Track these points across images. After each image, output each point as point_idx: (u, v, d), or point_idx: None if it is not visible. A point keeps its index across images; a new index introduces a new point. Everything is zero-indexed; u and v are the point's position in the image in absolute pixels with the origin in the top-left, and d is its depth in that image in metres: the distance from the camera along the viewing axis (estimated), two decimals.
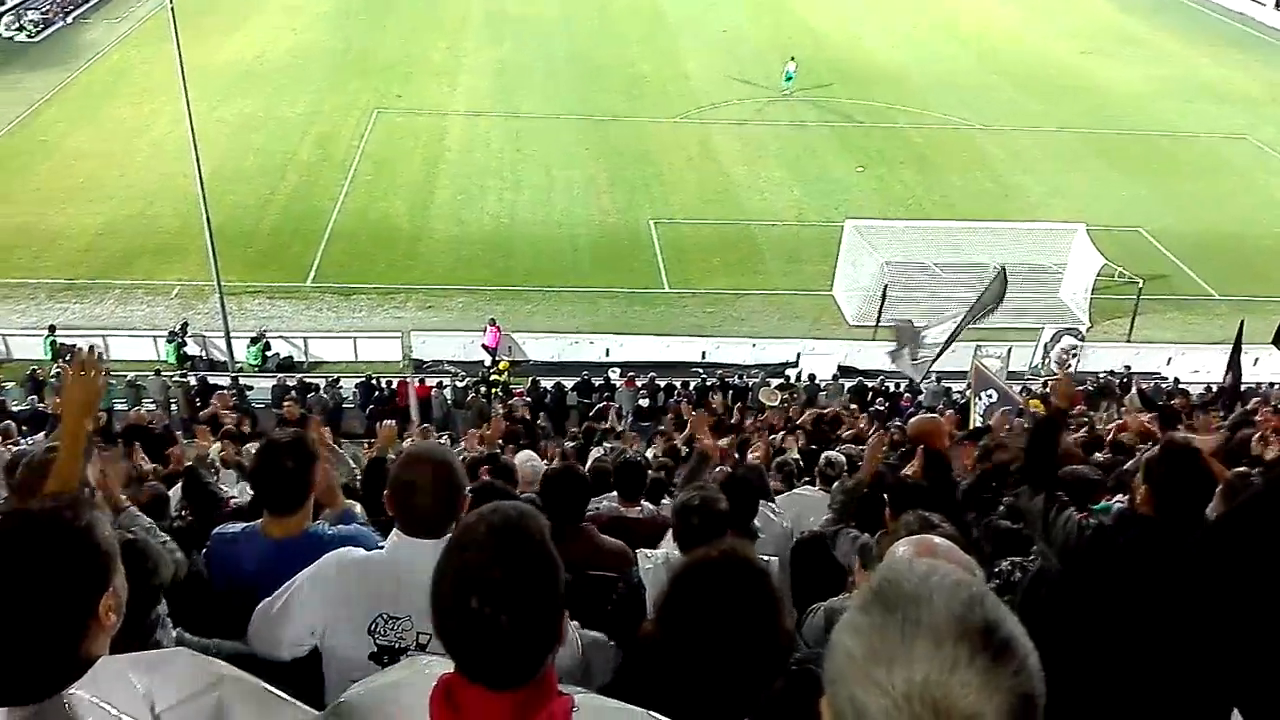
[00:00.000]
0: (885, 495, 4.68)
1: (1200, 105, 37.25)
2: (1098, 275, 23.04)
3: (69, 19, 40.25)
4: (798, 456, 9.55)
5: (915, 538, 2.36)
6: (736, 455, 8.22)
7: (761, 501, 5.71)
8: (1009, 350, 21.36)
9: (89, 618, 1.84)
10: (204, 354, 21.21)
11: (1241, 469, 4.77)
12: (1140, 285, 23.16)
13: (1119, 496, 6.30)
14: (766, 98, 35.11)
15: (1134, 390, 17.71)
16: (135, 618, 2.06)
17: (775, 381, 19.93)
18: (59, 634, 1.80)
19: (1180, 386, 18.81)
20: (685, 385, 19.80)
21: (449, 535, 1.91)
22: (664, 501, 7.05)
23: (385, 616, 2.72)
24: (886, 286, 22.10)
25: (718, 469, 6.24)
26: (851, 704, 1.21)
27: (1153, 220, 27.79)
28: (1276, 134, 34.39)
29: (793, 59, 34.90)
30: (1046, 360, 21.49)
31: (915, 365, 17.46)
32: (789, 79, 34.42)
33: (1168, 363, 21.50)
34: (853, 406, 16.84)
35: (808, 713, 1.43)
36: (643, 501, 6.22)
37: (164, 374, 19.21)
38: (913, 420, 6.65)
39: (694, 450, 6.53)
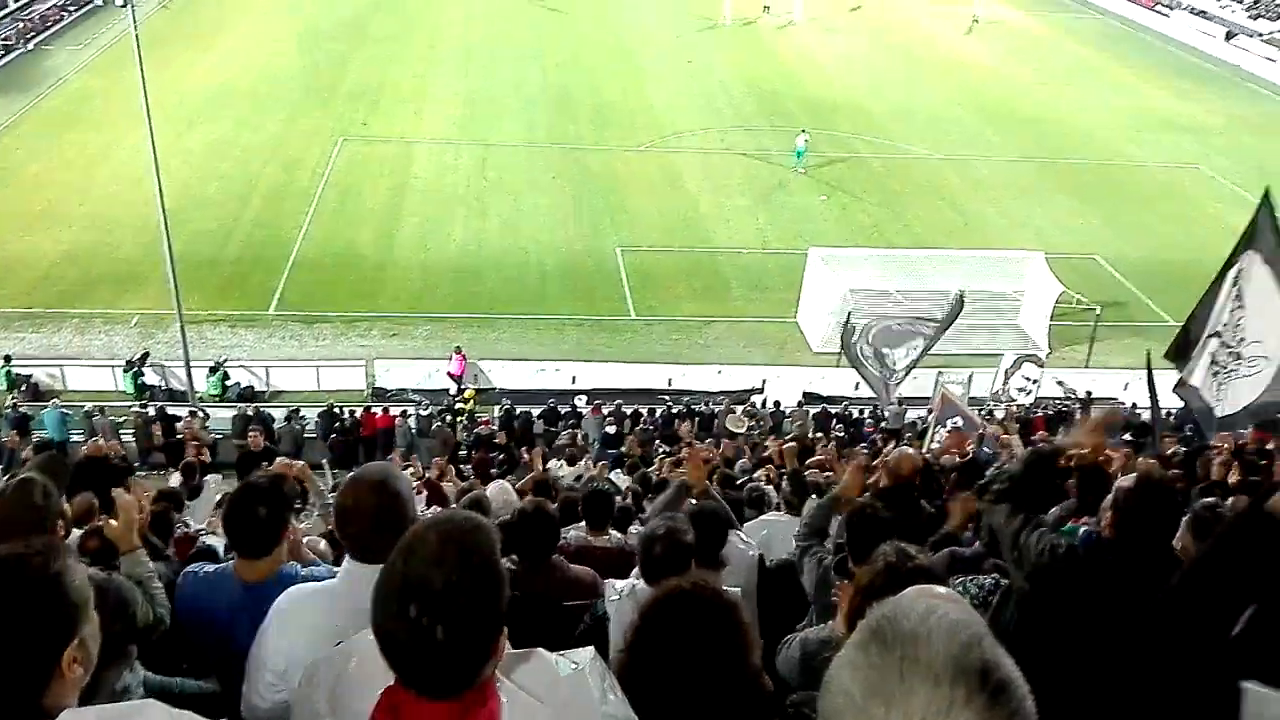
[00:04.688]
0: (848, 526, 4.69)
1: (1154, 135, 38.18)
2: (1056, 302, 23.43)
3: (30, 45, 39.85)
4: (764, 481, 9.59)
5: (921, 588, 2.36)
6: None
7: (730, 530, 5.73)
8: (970, 376, 21.63)
9: (51, 670, 1.80)
10: (163, 384, 20.91)
11: (1211, 500, 4.86)
12: (1098, 312, 23.56)
13: (1085, 519, 6.39)
14: (730, 124, 35.53)
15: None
16: (104, 660, 2.03)
17: (740, 408, 19.99)
18: (17, 686, 1.76)
19: (1136, 411, 19.11)
20: (651, 413, 19.82)
21: None
22: (632, 530, 7.05)
23: None
24: (850, 314, 22.29)
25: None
26: None
27: (1109, 248, 28.35)
28: (1228, 163, 35.26)
29: (803, 131, 32.31)
30: (1006, 387, 21.76)
31: (881, 381, 17.54)
32: (799, 155, 31.75)
33: (1125, 388, 21.82)
34: (818, 435, 16.92)
35: None
36: (610, 530, 6.23)
37: (108, 413, 18.55)
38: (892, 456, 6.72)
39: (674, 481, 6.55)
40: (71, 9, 45.05)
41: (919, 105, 39.32)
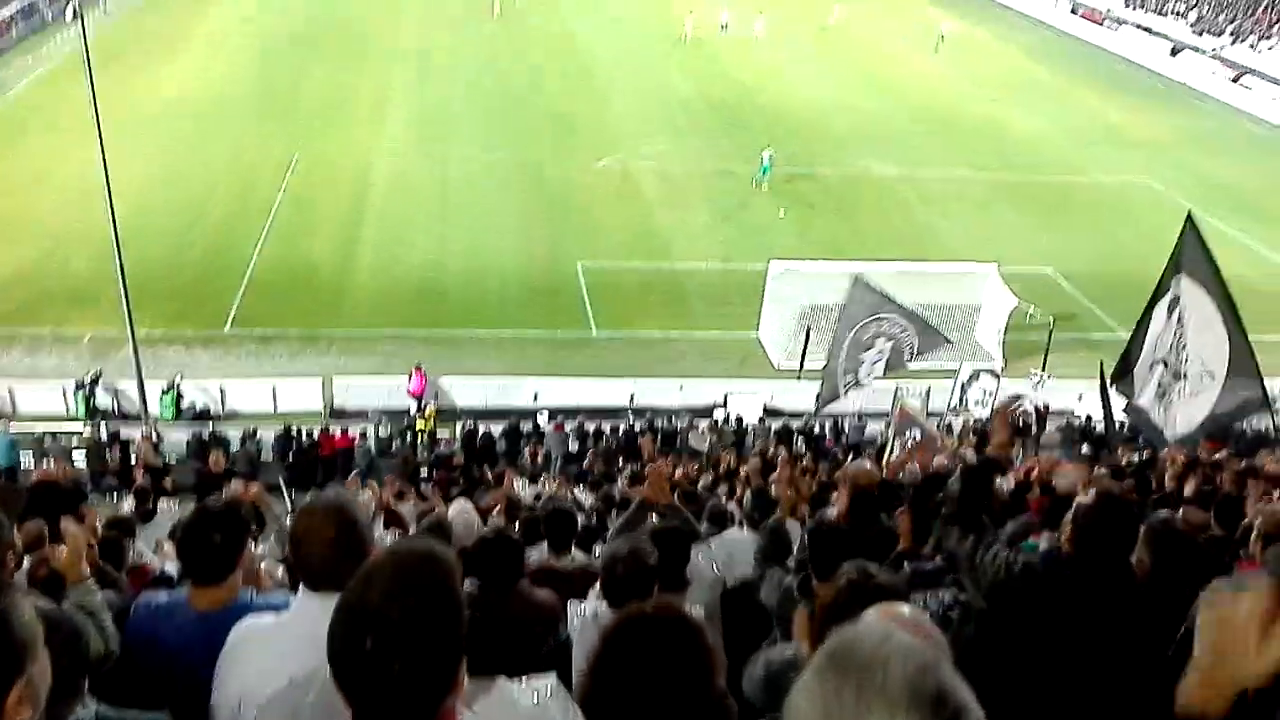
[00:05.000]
0: (807, 541, 4.71)
1: (1104, 150, 39.00)
2: (1010, 315, 23.76)
3: None
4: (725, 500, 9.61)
5: (884, 606, 2.35)
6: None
7: (693, 548, 5.73)
8: (928, 390, 21.85)
9: None
10: (115, 405, 20.49)
11: (1165, 514, 4.95)
12: (1051, 325, 23.93)
13: (1045, 534, 6.47)
14: (690, 142, 35.78)
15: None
16: (55, 697, 1.97)
17: (703, 424, 20.04)
18: None
19: (1093, 423, 19.45)
20: (614, 429, 19.79)
21: None
22: (597, 549, 7.03)
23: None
24: (809, 329, 22.46)
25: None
26: None
27: (1060, 261, 28.85)
28: (1176, 177, 36.10)
29: (769, 147, 32.59)
30: (964, 399, 22.02)
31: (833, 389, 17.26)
32: (765, 170, 31.94)
33: (1079, 399, 22.19)
34: (780, 449, 16.98)
35: None
36: (574, 550, 6.20)
37: (60, 436, 18.29)
38: (850, 470, 6.77)
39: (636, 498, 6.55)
40: (20, 22, 44.29)
41: (874, 122, 39.84)
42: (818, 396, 16.67)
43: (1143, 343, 9.27)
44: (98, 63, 18.39)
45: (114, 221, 18.73)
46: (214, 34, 44.17)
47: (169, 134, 32.47)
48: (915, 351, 15.77)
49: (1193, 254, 8.82)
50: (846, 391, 16.74)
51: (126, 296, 19.12)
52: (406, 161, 32.44)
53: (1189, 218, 9.03)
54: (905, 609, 2.38)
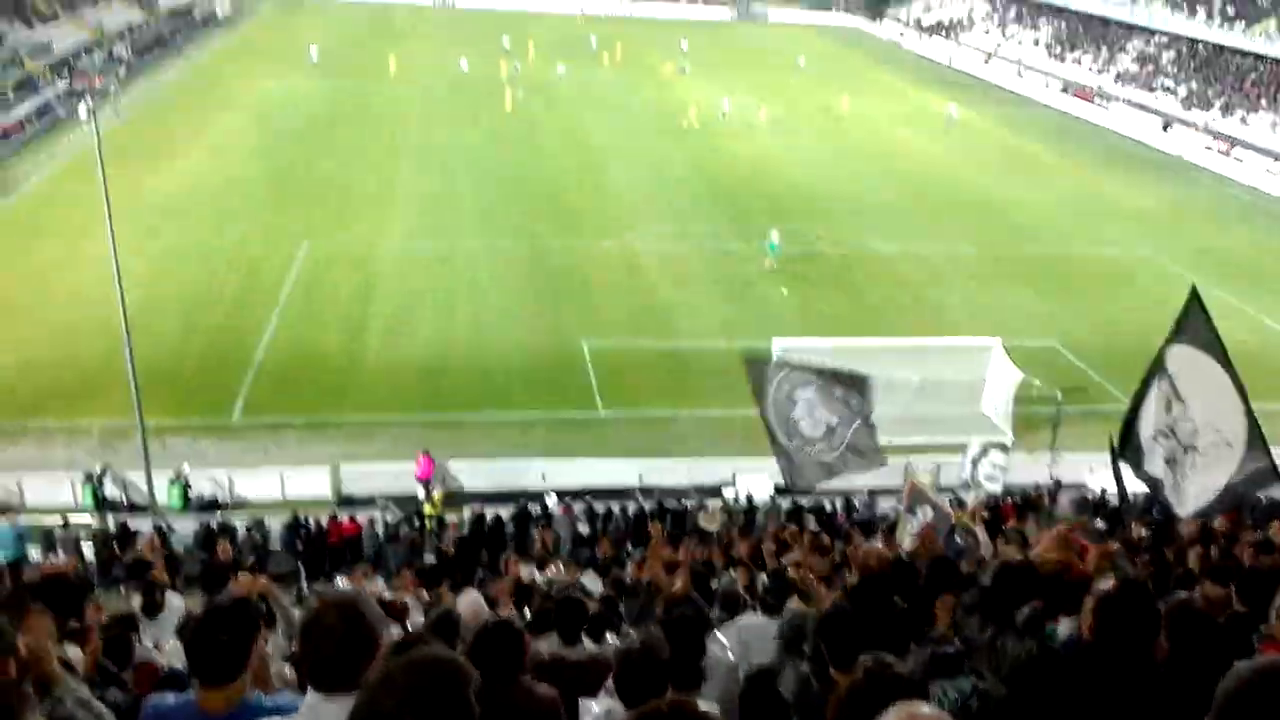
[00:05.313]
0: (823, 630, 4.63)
1: (1102, 223, 39.50)
2: (1017, 389, 23.72)
3: None
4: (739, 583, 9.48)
5: (904, 706, 2.31)
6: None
7: (707, 637, 5.64)
8: (938, 466, 21.72)
9: None
10: (124, 496, 20.45)
11: (1182, 596, 4.89)
12: (1059, 398, 23.88)
13: (1064, 620, 6.37)
14: (694, 224, 36.29)
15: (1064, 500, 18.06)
16: None
17: (713, 503, 19.88)
18: None
19: (1106, 497, 19.26)
20: (623, 511, 19.64)
21: None
22: (609, 638, 6.93)
23: None
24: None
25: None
26: None
27: (1065, 334, 28.95)
28: (1173, 247, 36.47)
29: (775, 229, 33.24)
30: (975, 474, 21.86)
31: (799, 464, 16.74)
32: (773, 249, 32.49)
33: (1090, 472, 22.01)
34: (791, 526, 16.82)
35: None
36: (585, 639, 6.12)
37: (72, 526, 18.25)
38: (860, 552, 6.70)
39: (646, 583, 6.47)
40: (35, 120, 45.52)
41: (875, 199, 40.53)
42: (783, 475, 16.12)
43: (1140, 414, 9.19)
44: (109, 159, 18.82)
45: (124, 313, 18.96)
46: (224, 131, 45.25)
47: (178, 227, 33.05)
48: (845, 392, 15.14)
49: (1196, 325, 8.79)
50: (840, 467, 16.28)
51: (136, 387, 19.25)
52: (413, 247, 32.90)
53: (1193, 290, 9.04)
54: (925, 709, 2.35)
